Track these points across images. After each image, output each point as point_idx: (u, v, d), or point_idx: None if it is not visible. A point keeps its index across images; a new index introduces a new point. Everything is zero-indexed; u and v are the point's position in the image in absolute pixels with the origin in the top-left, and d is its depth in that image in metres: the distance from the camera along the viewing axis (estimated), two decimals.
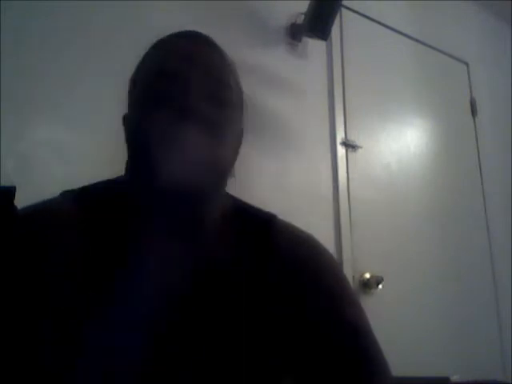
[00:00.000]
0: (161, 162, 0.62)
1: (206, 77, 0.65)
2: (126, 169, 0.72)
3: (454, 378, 0.57)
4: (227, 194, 0.77)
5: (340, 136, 2.14)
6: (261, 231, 0.74)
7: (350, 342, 0.65)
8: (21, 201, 0.59)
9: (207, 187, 0.65)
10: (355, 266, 1.99)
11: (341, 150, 2.13)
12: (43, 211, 0.67)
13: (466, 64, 2.81)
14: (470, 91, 2.78)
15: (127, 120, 0.72)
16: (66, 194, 0.71)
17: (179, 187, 0.62)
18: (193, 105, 0.62)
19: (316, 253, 0.75)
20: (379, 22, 2.45)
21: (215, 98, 0.65)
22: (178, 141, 0.61)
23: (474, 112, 2.75)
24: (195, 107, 0.62)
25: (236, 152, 0.71)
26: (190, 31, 0.73)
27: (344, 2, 2.11)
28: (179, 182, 0.62)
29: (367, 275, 2.00)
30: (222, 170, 0.66)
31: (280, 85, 2.01)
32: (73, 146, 1.49)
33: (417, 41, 2.59)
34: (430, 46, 2.64)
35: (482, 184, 2.65)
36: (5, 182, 0.56)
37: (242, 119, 0.74)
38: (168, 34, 0.73)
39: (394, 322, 1.97)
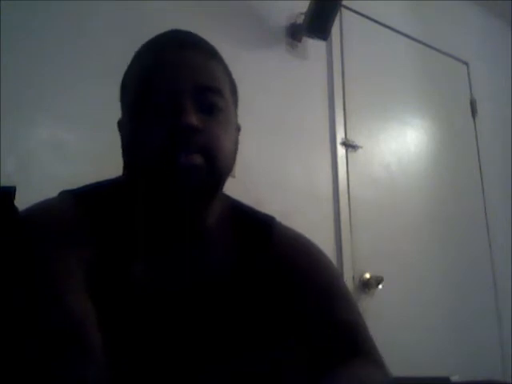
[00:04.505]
0: (159, 167, 0.62)
1: (194, 85, 0.65)
2: (124, 171, 0.72)
3: (454, 378, 0.57)
4: (226, 195, 0.77)
5: (340, 136, 2.14)
6: (258, 234, 0.74)
7: (342, 337, 0.65)
8: (21, 201, 0.59)
9: (207, 189, 0.65)
10: (355, 265, 1.99)
11: (341, 150, 2.13)
12: (43, 212, 0.67)
13: (466, 64, 2.81)
14: (470, 91, 2.78)
15: (122, 126, 0.72)
16: (65, 195, 0.71)
17: (180, 190, 0.62)
18: (184, 123, 0.62)
19: (312, 259, 0.75)
20: (379, 22, 2.45)
21: (205, 105, 0.65)
22: (175, 149, 0.62)
23: (474, 112, 2.75)
24: (187, 125, 0.62)
25: (234, 149, 0.71)
26: (176, 32, 0.73)
27: (344, 2, 2.11)
28: (179, 185, 0.62)
29: (367, 275, 2.00)
30: (220, 171, 0.66)
31: (280, 85, 2.01)
32: (73, 145, 1.49)
33: (417, 41, 2.59)
34: (429, 46, 2.64)
35: (482, 184, 2.65)
36: (5, 182, 0.56)
37: (236, 114, 0.74)
38: (156, 34, 0.73)
39: (393, 321, 1.97)
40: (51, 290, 0.57)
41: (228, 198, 0.78)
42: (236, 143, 0.72)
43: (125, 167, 0.71)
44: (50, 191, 0.72)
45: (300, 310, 0.67)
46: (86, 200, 0.69)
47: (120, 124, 0.73)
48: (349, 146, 2.16)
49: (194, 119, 0.62)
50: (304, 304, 0.68)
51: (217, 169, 0.65)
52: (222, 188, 0.71)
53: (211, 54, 0.71)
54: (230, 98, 0.71)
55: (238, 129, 0.75)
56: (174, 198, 0.64)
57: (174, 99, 0.64)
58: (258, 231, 0.75)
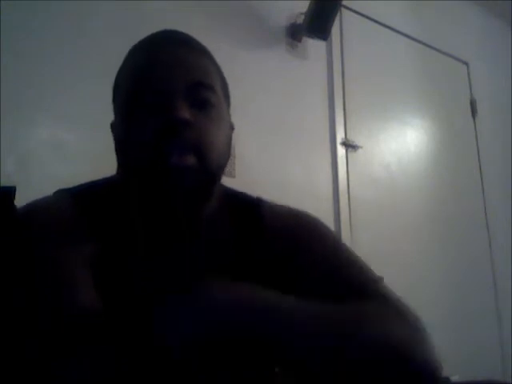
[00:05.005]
0: (152, 166, 0.62)
1: (187, 83, 0.65)
2: (118, 170, 0.72)
3: (454, 378, 0.57)
4: (219, 185, 0.77)
5: (340, 136, 2.14)
6: (250, 220, 0.74)
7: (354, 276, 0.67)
8: (21, 201, 0.59)
9: (201, 189, 0.65)
10: None
11: (341, 150, 2.13)
12: (42, 211, 0.67)
13: (466, 64, 2.81)
14: (470, 91, 2.78)
15: (115, 127, 0.72)
16: (61, 193, 0.71)
17: (172, 190, 0.62)
18: (177, 117, 0.62)
19: (304, 222, 0.75)
20: (379, 22, 2.45)
21: (198, 100, 0.65)
22: (168, 147, 0.62)
23: (474, 112, 2.75)
24: (179, 118, 0.62)
25: (227, 146, 0.71)
26: (168, 32, 0.73)
27: (344, 2, 2.11)
28: (171, 185, 0.62)
29: None
30: (213, 169, 0.66)
31: (280, 85, 2.01)
32: (73, 145, 1.49)
33: (417, 41, 2.59)
34: (429, 46, 2.64)
35: (482, 184, 2.65)
36: (5, 182, 0.56)
37: (229, 112, 0.74)
38: (147, 36, 0.73)
39: None
40: (51, 290, 0.57)
41: (220, 186, 0.77)
42: (229, 140, 0.72)
43: (119, 166, 0.71)
44: (50, 191, 0.72)
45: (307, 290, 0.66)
46: (82, 199, 0.69)
47: (113, 126, 0.73)
48: (349, 146, 2.16)
49: (186, 113, 0.62)
50: (311, 283, 0.67)
51: (210, 167, 0.65)
52: (217, 185, 0.71)
53: (203, 52, 0.71)
54: (222, 95, 0.71)
55: (232, 127, 0.75)
56: (166, 197, 0.64)
57: (167, 99, 0.64)
58: (249, 217, 0.74)
